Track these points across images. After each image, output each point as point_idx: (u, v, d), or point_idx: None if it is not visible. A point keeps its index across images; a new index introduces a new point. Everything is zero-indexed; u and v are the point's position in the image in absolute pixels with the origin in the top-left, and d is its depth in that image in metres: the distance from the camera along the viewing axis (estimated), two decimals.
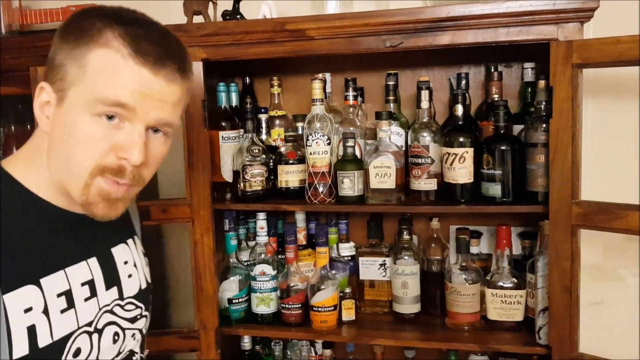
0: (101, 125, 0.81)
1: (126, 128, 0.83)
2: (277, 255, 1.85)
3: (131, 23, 0.83)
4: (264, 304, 1.76)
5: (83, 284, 0.88)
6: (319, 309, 1.71)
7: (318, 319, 1.71)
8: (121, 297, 0.96)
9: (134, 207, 1.09)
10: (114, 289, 0.94)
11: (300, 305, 1.74)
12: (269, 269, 1.76)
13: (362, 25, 1.50)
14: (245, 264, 1.81)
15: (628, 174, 1.74)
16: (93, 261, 0.91)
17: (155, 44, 0.82)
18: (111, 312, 0.93)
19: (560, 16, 1.40)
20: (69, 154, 0.82)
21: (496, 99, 1.67)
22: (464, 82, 1.69)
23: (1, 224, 0.80)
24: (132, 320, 0.98)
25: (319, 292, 1.71)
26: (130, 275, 0.98)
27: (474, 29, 1.47)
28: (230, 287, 1.77)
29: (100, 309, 0.91)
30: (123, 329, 0.96)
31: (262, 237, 1.78)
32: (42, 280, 0.82)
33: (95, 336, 0.89)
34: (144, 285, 1.02)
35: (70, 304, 0.85)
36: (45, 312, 0.81)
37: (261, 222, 1.78)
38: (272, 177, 1.75)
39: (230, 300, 1.76)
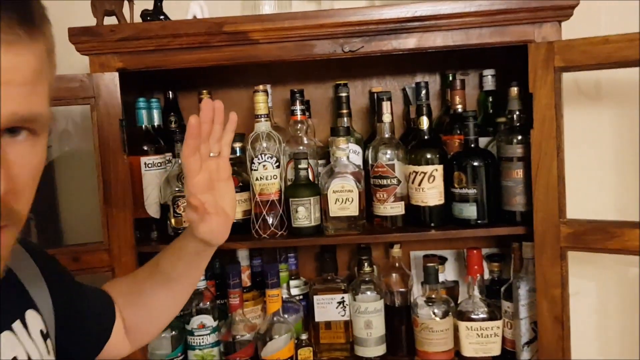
0: None
1: None
2: (217, 300, 1.56)
3: None
4: None
5: None
6: None
7: None
8: None
9: (29, 264, 0.77)
10: None
11: None
12: (208, 320, 1.47)
13: (316, 27, 1.27)
14: (180, 314, 1.50)
15: (608, 188, 1.64)
16: None
17: None
18: None
19: (538, 14, 1.26)
20: None
21: (459, 109, 1.51)
22: (424, 91, 1.49)
23: None
24: None
25: (270, 342, 1.45)
26: None
27: (443, 30, 1.29)
28: (162, 346, 1.47)
29: None
30: None
31: (200, 283, 1.48)
32: None
33: None
34: None
35: None
36: None
37: None
38: None
39: None
